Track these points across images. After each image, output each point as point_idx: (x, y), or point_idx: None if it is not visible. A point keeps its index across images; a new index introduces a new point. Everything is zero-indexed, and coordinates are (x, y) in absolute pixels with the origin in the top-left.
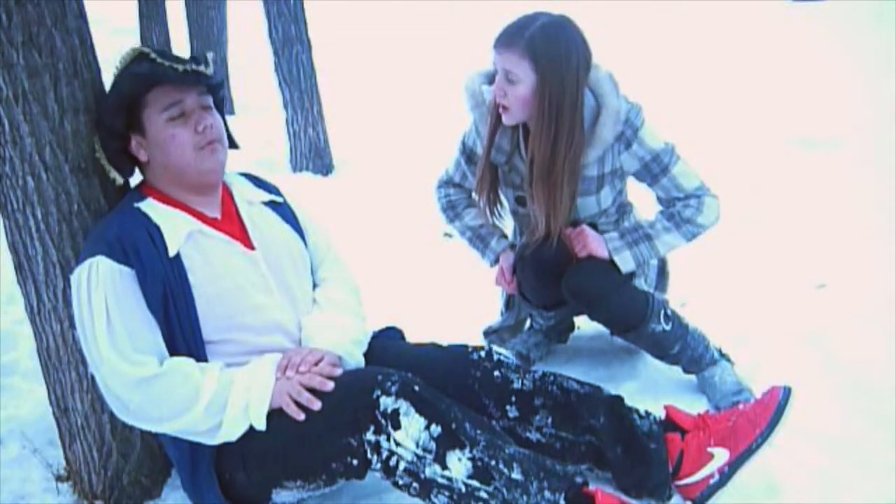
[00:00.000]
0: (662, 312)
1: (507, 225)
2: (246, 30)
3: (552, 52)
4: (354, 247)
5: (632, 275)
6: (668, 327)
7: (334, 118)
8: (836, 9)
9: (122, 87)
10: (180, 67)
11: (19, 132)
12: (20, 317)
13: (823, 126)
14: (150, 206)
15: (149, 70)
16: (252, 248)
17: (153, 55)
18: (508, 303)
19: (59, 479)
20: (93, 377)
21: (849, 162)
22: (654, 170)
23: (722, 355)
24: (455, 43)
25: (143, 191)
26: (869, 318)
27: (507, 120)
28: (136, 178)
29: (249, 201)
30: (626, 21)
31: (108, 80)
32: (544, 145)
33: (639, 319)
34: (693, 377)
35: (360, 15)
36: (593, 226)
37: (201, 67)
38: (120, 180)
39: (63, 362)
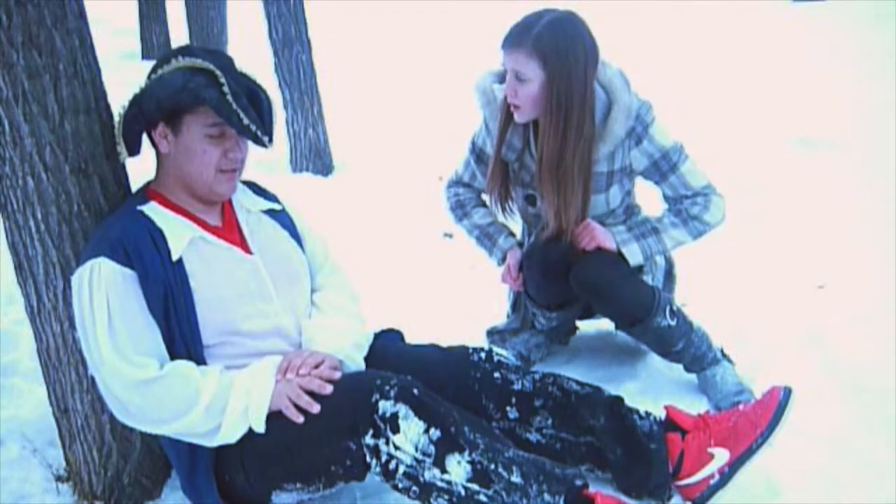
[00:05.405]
0: (668, 308)
1: (517, 225)
2: (246, 30)
3: (559, 48)
4: (355, 247)
5: (640, 269)
6: (673, 323)
7: (334, 118)
8: (836, 9)
9: (179, 96)
10: (245, 121)
11: (19, 132)
12: (20, 317)
13: (823, 126)
14: (153, 210)
15: (215, 102)
16: (251, 255)
17: (225, 87)
18: (515, 305)
19: (59, 479)
20: (93, 378)
21: (848, 162)
22: (663, 167)
23: (723, 355)
24: (455, 43)
25: (147, 194)
26: (869, 319)
27: (519, 118)
28: (135, 167)
29: (248, 210)
30: (625, 20)
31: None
32: (553, 139)
33: (646, 312)
34: (693, 378)
35: (360, 15)
36: (600, 224)
37: (265, 139)
38: (124, 156)
39: (63, 363)
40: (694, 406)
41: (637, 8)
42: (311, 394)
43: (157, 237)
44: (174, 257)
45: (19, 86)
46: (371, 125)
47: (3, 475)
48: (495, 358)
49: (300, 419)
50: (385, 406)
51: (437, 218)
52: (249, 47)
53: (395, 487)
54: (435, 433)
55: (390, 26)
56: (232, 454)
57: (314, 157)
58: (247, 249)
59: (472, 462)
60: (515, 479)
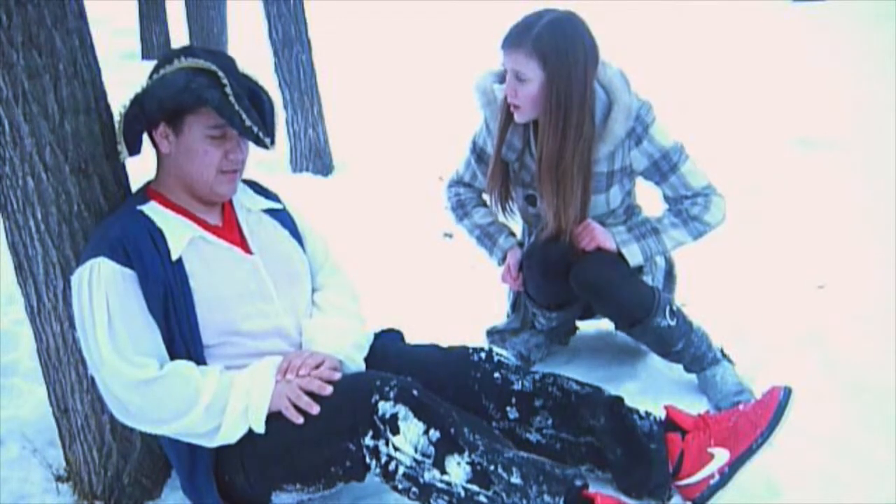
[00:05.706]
0: (668, 308)
1: (517, 225)
2: (246, 30)
3: (559, 48)
4: (355, 247)
5: (640, 270)
6: (673, 323)
7: (334, 118)
8: (836, 9)
9: (181, 97)
10: (247, 122)
11: (19, 132)
12: (20, 317)
13: (823, 126)
14: (153, 210)
15: (217, 103)
16: (251, 254)
17: (227, 88)
18: (515, 305)
19: (59, 479)
20: (93, 378)
21: (848, 162)
22: (664, 167)
23: (723, 355)
24: (455, 43)
25: (147, 193)
26: (869, 319)
27: (519, 118)
28: (135, 167)
29: (248, 209)
30: (625, 20)
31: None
32: (552, 139)
33: (645, 313)
34: (693, 378)
35: (360, 15)
36: (600, 224)
37: (267, 141)
38: (125, 155)
39: (63, 363)
40: (694, 406)
41: (637, 8)
42: (310, 394)
43: (156, 237)
44: (174, 257)
45: (19, 86)
46: (371, 125)
47: (3, 475)
48: (495, 358)
49: (300, 420)
50: (385, 407)
51: (437, 218)
52: (249, 47)
53: (395, 488)
54: (434, 434)
55: (390, 26)
56: (232, 454)
57: (314, 157)
58: (247, 249)
59: (471, 463)
60: (515, 479)
